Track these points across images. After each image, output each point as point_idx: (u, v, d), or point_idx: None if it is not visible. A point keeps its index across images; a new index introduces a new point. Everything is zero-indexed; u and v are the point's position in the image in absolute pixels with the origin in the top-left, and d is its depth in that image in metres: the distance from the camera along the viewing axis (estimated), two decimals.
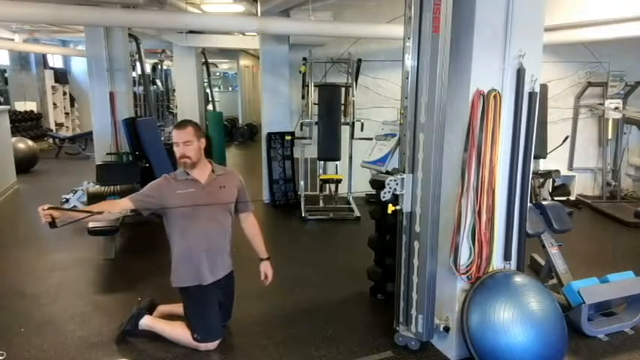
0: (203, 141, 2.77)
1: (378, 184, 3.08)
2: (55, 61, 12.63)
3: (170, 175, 2.80)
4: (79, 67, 12.89)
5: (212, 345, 2.80)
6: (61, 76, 12.31)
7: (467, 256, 2.64)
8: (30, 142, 8.59)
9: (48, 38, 11.17)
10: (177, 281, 2.80)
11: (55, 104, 11.95)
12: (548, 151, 4.62)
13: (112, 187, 4.86)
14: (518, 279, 2.65)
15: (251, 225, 3.02)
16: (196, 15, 6.61)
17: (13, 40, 10.10)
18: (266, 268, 2.99)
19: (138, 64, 8.17)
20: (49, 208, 2.37)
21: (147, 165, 5.51)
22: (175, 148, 2.71)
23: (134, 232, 5.02)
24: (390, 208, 2.72)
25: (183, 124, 2.76)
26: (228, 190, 2.84)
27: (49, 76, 11.73)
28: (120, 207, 2.75)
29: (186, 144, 2.68)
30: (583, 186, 6.76)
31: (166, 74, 14.53)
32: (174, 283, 2.80)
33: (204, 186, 2.77)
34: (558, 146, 5.01)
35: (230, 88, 18.86)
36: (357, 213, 5.73)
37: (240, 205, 2.94)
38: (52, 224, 2.36)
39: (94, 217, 2.64)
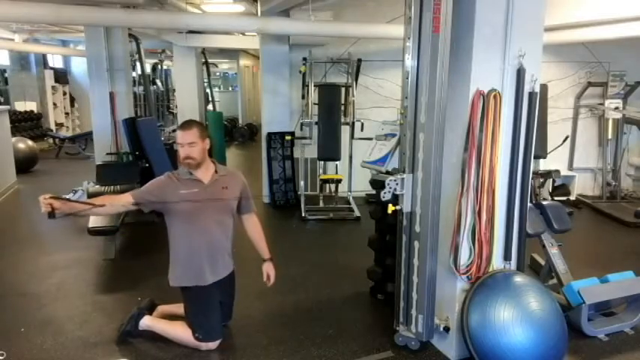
0: (208, 141, 2.74)
1: (378, 184, 3.08)
2: (55, 61, 12.63)
3: (173, 173, 2.77)
4: (79, 67, 12.88)
5: (213, 345, 2.80)
6: (61, 76, 12.31)
7: (467, 256, 2.64)
8: (30, 142, 8.58)
9: (48, 38, 11.16)
10: (175, 280, 2.80)
11: (55, 104, 11.95)
12: (548, 151, 4.62)
13: (112, 187, 4.86)
14: (518, 279, 2.65)
15: (253, 226, 3.01)
16: (196, 15, 6.61)
17: (13, 40, 10.09)
18: (269, 269, 2.99)
19: (138, 64, 8.17)
20: (51, 197, 2.34)
21: (147, 165, 5.52)
22: (180, 149, 2.66)
23: (134, 232, 5.03)
24: (390, 208, 2.72)
25: (187, 125, 2.71)
26: (230, 191, 2.82)
27: (49, 76, 11.72)
28: (121, 201, 2.70)
29: (191, 145, 2.64)
30: (583, 186, 6.76)
31: (166, 74, 14.54)
32: (172, 282, 2.80)
33: (207, 186, 2.75)
34: (558, 146, 5.02)
35: (230, 88, 18.86)
36: (357, 213, 5.73)
37: (243, 206, 2.93)
38: (52, 214, 2.32)
39: (96, 215, 2.62)
